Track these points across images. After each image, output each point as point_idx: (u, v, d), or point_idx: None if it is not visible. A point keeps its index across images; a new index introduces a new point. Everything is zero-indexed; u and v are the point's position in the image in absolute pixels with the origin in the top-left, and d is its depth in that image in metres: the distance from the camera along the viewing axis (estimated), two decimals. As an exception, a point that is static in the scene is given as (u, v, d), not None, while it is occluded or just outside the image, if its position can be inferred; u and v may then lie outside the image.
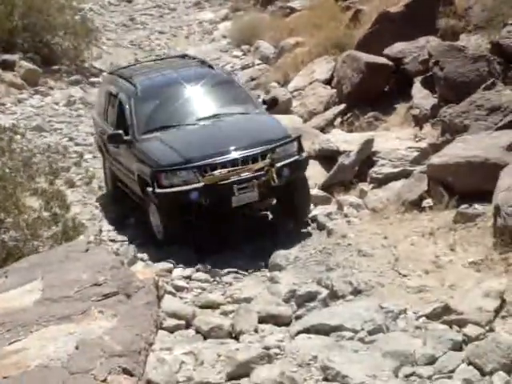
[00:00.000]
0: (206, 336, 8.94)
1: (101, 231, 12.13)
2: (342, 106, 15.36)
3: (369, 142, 12.84)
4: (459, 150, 11.17)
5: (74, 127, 17.35)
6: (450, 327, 8.43)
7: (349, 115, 14.98)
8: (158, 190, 10.88)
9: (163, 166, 10.98)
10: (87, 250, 7.92)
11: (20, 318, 6.59)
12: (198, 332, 9.03)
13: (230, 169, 10.88)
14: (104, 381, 5.35)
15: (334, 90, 16.08)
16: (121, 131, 11.89)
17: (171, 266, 10.76)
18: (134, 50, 23.85)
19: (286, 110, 15.86)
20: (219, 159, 10.94)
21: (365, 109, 14.85)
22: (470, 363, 7.78)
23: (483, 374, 7.63)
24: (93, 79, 20.69)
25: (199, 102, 12.27)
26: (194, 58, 14.07)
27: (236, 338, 8.85)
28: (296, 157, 11.35)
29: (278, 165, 11.02)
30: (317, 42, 18.16)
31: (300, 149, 11.49)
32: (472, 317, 8.43)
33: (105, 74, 15.83)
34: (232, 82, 12.98)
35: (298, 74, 17.70)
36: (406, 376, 7.72)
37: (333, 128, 14.73)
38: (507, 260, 9.39)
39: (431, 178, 11.33)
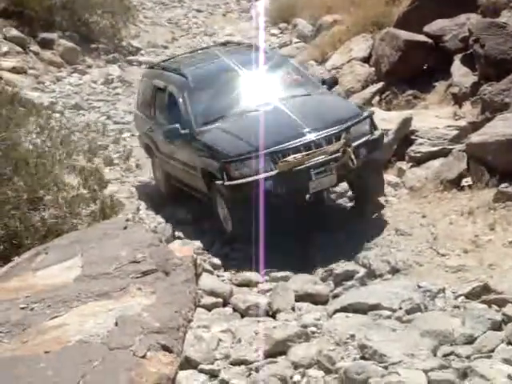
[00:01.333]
0: (243, 314, 8.99)
1: (139, 209, 12.19)
2: (380, 85, 15.25)
3: (407, 121, 12.73)
4: (499, 128, 11.04)
5: (111, 105, 17.43)
6: (489, 307, 8.38)
7: (387, 93, 14.88)
8: (228, 183, 10.19)
9: (232, 157, 10.25)
10: (125, 228, 7.96)
11: (60, 294, 6.66)
12: (235, 310, 9.08)
13: (304, 153, 10.18)
14: (143, 357, 5.38)
15: (372, 69, 15.97)
16: (177, 125, 11.19)
17: (210, 243, 10.80)
18: (171, 28, 23.87)
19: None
20: (291, 144, 10.22)
21: (403, 87, 14.73)
22: (509, 343, 7.73)
23: (523, 354, 7.58)
24: (130, 57, 20.75)
25: (256, 87, 11.54)
26: (238, 44, 13.45)
27: (273, 317, 8.88)
28: (371, 135, 10.69)
29: (354, 145, 10.35)
30: (355, 19, 18.02)
31: (373, 126, 10.84)
32: (512, 296, 8.38)
33: (144, 69, 14.76)
34: (287, 63, 12.39)
35: (335, 52, 17.59)
36: (445, 355, 7.68)
37: (371, 106, 14.63)
38: (548, 242, 9.31)
39: (471, 156, 11.22)
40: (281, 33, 21.92)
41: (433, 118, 13.14)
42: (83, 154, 13.72)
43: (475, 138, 11.28)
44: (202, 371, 7.59)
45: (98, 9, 21.86)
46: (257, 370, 7.79)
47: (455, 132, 12.37)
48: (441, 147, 12.25)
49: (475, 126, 11.96)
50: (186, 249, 8.19)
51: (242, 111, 11.13)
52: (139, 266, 6.33)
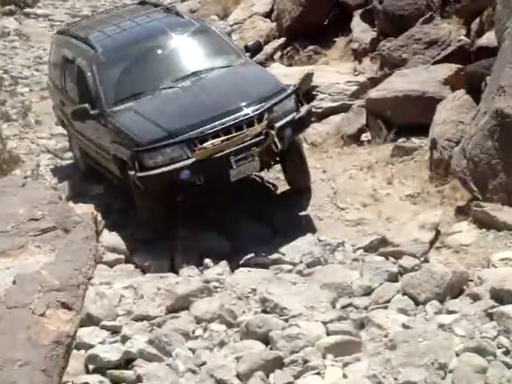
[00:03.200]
0: (145, 270, 8.99)
1: (38, 166, 11.99)
2: (282, 40, 15.30)
3: (308, 76, 12.83)
4: (397, 84, 11.27)
5: (8, 59, 16.99)
6: (387, 259, 8.61)
7: (288, 49, 14.93)
8: (141, 174, 9.20)
9: (144, 145, 9.28)
10: (24, 185, 7.80)
11: (-45, 254, 6.52)
12: (137, 267, 9.07)
13: (223, 138, 9.21)
14: (42, 315, 5.34)
15: (274, 24, 15.98)
16: (86, 105, 10.04)
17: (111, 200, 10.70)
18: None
19: (226, 43, 15.73)
20: (209, 128, 9.25)
21: (304, 43, 14.80)
22: (404, 293, 7.97)
23: (417, 303, 7.82)
24: (27, 10, 20.20)
25: (173, 59, 10.47)
26: (156, 5, 12.08)
27: (176, 272, 8.92)
28: (296, 113, 9.64)
29: (278, 125, 9.36)
30: (257, -26, 17.94)
31: (299, 102, 9.81)
32: (408, 248, 8.62)
33: (54, 34, 13.12)
34: (206, 30, 10.98)
35: (237, 7, 17.54)
36: (343, 307, 7.88)
37: (272, 62, 14.66)
38: (442, 192, 9.58)
39: (370, 111, 11.42)
40: (182, -14, 21.68)
41: (333, 73, 13.27)
42: (-21, 109, 13.40)
43: (374, 93, 11.48)
44: (103, 327, 7.60)
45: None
46: (159, 325, 7.85)
47: (355, 87, 12.54)
48: (341, 102, 12.40)
49: (374, 82, 12.15)
50: (86, 206, 8.11)
51: (157, 88, 10.08)
52: (38, 223, 6.23)
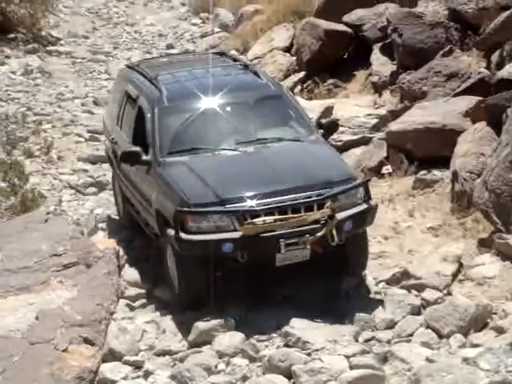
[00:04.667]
0: (168, 304, 8.97)
1: (61, 201, 12.05)
2: (302, 74, 15.35)
3: (328, 110, 12.86)
4: (418, 117, 11.26)
5: (31, 96, 17.14)
6: (409, 292, 8.56)
7: (308, 83, 14.99)
8: (182, 236, 8.32)
9: (191, 206, 8.41)
10: (46, 221, 7.88)
11: (-21, 290, 6.56)
12: (160, 301, 9.06)
13: (277, 217, 8.32)
14: (65, 350, 5.36)
15: (294, 58, 16.06)
16: (139, 149, 9.24)
17: (131, 235, 10.69)
18: (91, 17, 23.57)
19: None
20: (264, 203, 8.36)
21: (324, 76, 14.87)
22: (428, 327, 7.92)
23: (441, 336, 7.78)
24: (50, 47, 20.43)
25: (241, 120, 9.56)
26: (235, 60, 11.03)
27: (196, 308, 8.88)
28: (362, 206, 8.62)
29: (340, 217, 8.42)
30: (276, 9, 18.10)
31: (367, 195, 8.74)
32: (430, 281, 8.57)
33: (122, 67, 12.19)
34: (282, 95, 9.92)
35: (257, 41, 17.63)
36: (366, 340, 7.83)
37: (293, 95, 14.73)
38: (464, 225, 9.54)
39: (390, 144, 11.41)
40: (202, 22, 21.88)
41: (353, 106, 13.30)
42: (2, 146, 13.49)
43: (394, 126, 11.48)
44: (126, 363, 7.58)
45: (15, -3, 21.49)
46: (181, 360, 7.82)
47: (375, 120, 12.54)
48: (361, 135, 12.40)
49: (394, 115, 12.16)
50: (108, 241, 8.16)
51: (217, 147, 9.22)
52: (60, 259, 6.28)
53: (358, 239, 8.78)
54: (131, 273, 9.49)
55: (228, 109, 9.59)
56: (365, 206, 8.59)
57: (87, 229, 10.45)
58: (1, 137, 13.86)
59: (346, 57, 15.16)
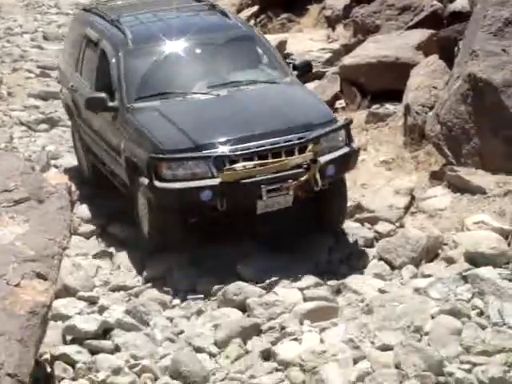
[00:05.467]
0: (122, 240, 8.95)
1: (12, 138, 11.87)
2: (255, 8, 15.23)
3: (282, 44, 12.76)
4: (371, 51, 11.25)
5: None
6: (362, 225, 8.65)
7: (262, 17, 14.86)
8: (157, 184, 7.91)
9: (166, 152, 7.98)
10: (-4, 157, 7.75)
11: None
12: (114, 237, 9.04)
13: (257, 162, 7.93)
14: (17, 285, 5.33)
15: (247, -8, 15.93)
16: (104, 95, 8.74)
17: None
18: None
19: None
20: (243, 148, 7.97)
21: (278, 11, 14.76)
22: (380, 258, 8.04)
23: (393, 268, 7.90)
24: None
25: (212, 62, 9.08)
26: (199, 0, 10.30)
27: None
28: (344, 149, 8.25)
29: (323, 160, 8.03)
30: None
31: (349, 137, 8.38)
32: (383, 214, 8.67)
33: (78, 10, 11.58)
34: (253, 37, 9.50)
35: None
36: (320, 273, 7.91)
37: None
38: (417, 158, 9.61)
39: (344, 78, 11.39)
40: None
41: (307, 41, 13.23)
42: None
43: (348, 60, 11.46)
44: (80, 298, 7.63)
45: None
46: (136, 296, 7.85)
47: (329, 55, 12.50)
48: (315, 70, 12.32)
49: (348, 49, 12.14)
50: (60, 176, 8.07)
51: (189, 91, 8.78)
52: (11, 194, 6.18)
53: (338, 186, 8.40)
54: (85, 209, 9.47)
55: (198, 51, 9.16)
56: (347, 149, 8.24)
57: (39, 165, 10.34)
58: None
59: (299, -9, 15.04)
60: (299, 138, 8.07)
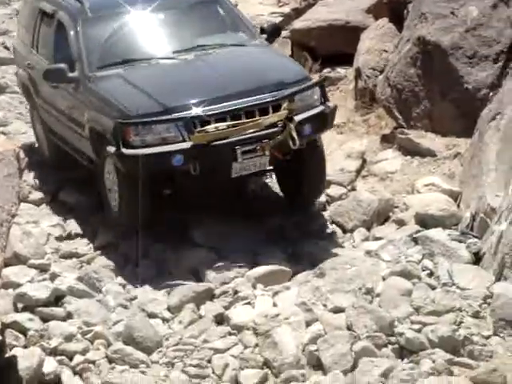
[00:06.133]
0: (72, 208, 8.88)
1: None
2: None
3: (232, 8, 12.68)
4: (321, 14, 11.27)
5: None
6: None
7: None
8: (125, 151, 7.51)
9: (133, 117, 7.62)
10: None
11: None
12: (64, 204, 8.96)
13: (229, 123, 7.58)
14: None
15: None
16: (63, 65, 8.35)
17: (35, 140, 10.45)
18: None
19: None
20: (214, 109, 7.61)
21: (227, -26, 14.64)
22: (332, 222, 8.08)
23: (345, 231, 7.97)
24: None
25: (177, 27, 8.73)
26: None
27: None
28: (320, 108, 7.92)
29: (298, 118, 7.68)
30: None
31: (324, 96, 8.06)
32: (335, 178, 8.71)
33: None
34: (218, 0, 9.07)
35: None
36: (273, 238, 7.95)
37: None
38: (368, 121, 9.67)
39: (294, 42, 11.40)
40: None
41: (257, 5, 13.22)
42: None
43: (298, 24, 11.46)
44: (31, 266, 7.54)
45: None
46: (88, 263, 7.81)
47: (279, 19, 12.52)
48: (265, 34, 12.29)
49: (298, 12, 12.13)
50: (8, 142, 7.92)
51: (153, 57, 8.42)
52: (-45, 160, 6.09)
53: (314, 150, 8.08)
54: (35, 176, 9.37)
55: (160, 16, 8.75)
56: (323, 107, 7.91)
57: (-13, 133, 10.19)
58: None
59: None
60: (273, 96, 7.73)
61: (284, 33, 11.87)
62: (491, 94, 8.62)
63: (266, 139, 7.58)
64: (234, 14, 9.07)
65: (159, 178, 7.76)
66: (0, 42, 13.42)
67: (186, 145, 7.50)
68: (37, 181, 9.28)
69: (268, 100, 7.70)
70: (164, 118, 7.57)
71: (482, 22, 8.98)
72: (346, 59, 10.48)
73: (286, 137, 7.56)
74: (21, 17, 10.52)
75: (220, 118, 7.60)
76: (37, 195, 9.07)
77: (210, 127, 7.53)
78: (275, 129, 7.61)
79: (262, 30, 9.00)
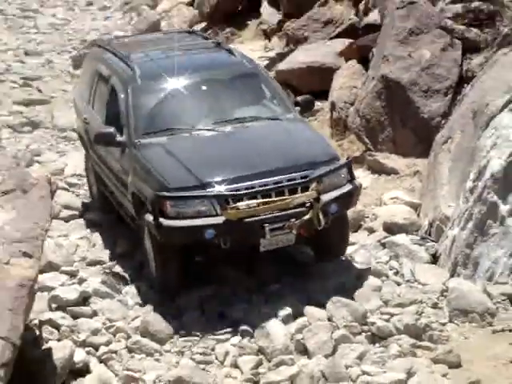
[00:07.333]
0: (96, 223, 8.85)
1: (0, 139, 11.63)
2: (204, 24, 15.22)
3: (227, 54, 12.68)
4: (301, 57, 11.30)
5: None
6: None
7: (209, 32, 14.79)
8: (161, 222, 6.75)
9: (171, 190, 6.83)
10: (-14, 155, 7.61)
11: None
12: (89, 221, 8.93)
13: (260, 201, 6.77)
14: (7, 263, 5.27)
15: (196, 11, 15.85)
16: (112, 130, 7.61)
17: (63, 165, 10.44)
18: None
19: (155, 28, 15.57)
20: (246, 187, 6.82)
21: (222, 26, 14.77)
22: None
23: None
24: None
25: (217, 99, 7.88)
26: (206, 38, 9.40)
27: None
28: (347, 187, 7.06)
29: (325, 199, 6.87)
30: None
31: (351, 175, 7.18)
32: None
33: (93, 47, 10.35)
34: (257, 74, 8.22)
35: (165, -3, 17.26)
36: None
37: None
38: (342, 146, 9.67)
39: (279, 81, 11.28)
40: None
41: (248, 51, 13.15)
42: None
43: (282, 66, 11.50)
44: (63, 272, 7.52)
45: None
46: (110, 268, 7.78)
47: (266, 62, 12.52)
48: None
49: (282, 56, 12.17)
50: (41, 170, 7.94)
51: (195, 127, 7.57)
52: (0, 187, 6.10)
53: (340, 222, 7.18)
54: (65, 198, 9.36)
55: (203, 87, 7.93)
56: (350, 186, 7.05)
57: (24, 161, 10.18)
58: None
59: (240, 9, 15.02)
60: (302, 177, 6.89)
61: (270, 73, 11.92)
62: (443, 121, 8.67)
63: (293, 218, 6.76)
64: (271, 87, 8.17)
65: (191, 247, 7.01)
66: (35, 87, 13.48)
67: (219, 220, 6.70)
68: (68, 202, 9.22)
69: (298, 181, 6.87)
70: (199, 193, 6.80)
71: (434, 63, 9.05)
72: (323, 94, 10.49)
73: (312, 216, 6.79)
74: (83, 73, 9.68)
75: (251, 195, 6.80)
76: (67, 213, 9.05)
77: (242, 204, 6.72)
78: (302, 208, 6.79)
79: (297, 103, 8.06)
